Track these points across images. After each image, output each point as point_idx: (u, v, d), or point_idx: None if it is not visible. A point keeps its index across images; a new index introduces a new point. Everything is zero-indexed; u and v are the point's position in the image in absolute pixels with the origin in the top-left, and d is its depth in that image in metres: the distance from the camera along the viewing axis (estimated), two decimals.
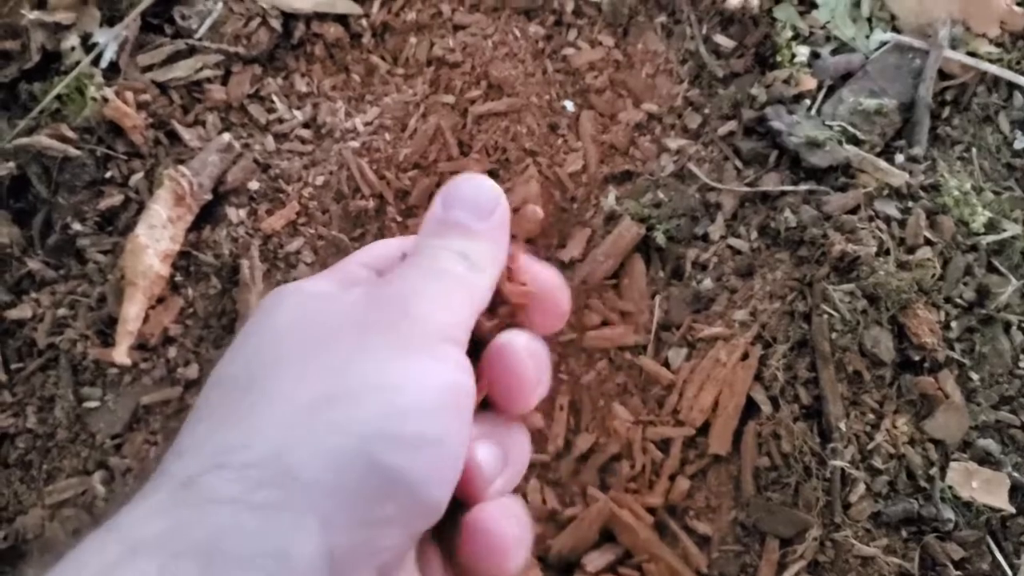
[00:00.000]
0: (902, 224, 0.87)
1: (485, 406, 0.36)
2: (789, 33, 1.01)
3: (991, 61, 0.99)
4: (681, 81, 1.02)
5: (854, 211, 0.87)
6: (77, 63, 0.98)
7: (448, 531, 0.34)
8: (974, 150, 0.96)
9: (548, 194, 0.95)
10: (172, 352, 0.88)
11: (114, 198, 0.93)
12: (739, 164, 0.95)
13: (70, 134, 0.93)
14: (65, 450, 0.85)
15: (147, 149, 0.95)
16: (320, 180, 0.95)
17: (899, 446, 0.78)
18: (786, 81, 0.98)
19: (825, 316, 0.82)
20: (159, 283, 0.87)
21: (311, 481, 0.28)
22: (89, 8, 1.01)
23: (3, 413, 0.86)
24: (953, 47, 0.99)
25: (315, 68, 1.03)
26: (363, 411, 0.29)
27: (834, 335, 0.81)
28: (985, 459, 0.79)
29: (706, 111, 0.99)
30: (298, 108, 1.01)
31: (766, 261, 0.88)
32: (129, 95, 0.95)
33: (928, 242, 0.86)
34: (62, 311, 0.89)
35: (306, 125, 1.00)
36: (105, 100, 0.94)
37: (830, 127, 0.94)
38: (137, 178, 0.94)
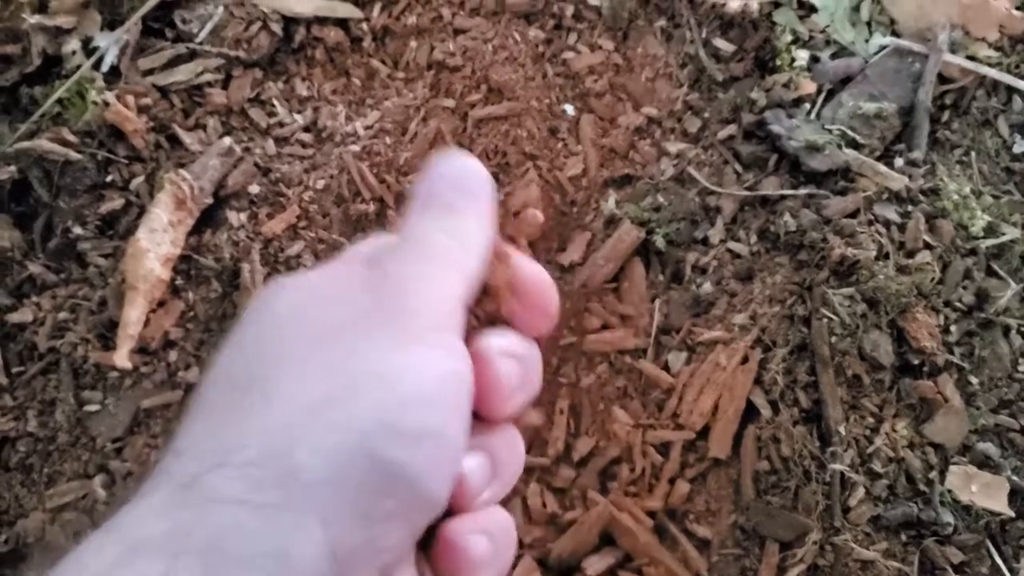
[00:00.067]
0: (901, 228, 0.87)
1: (474, 414, 0.35)
2: (789, 37, 1.01)
3: (990, 65, 0.99)
4: (681, 85, 1.02)
5: (853, 215, 0.87)
6: (78, 67, 0.98)
7: (430, 541, 0.34)
8: (973, 154, 0.96)
9: (548, 198, 0.95)
10: (173, 356, 0.88)
11: (115, 202, 0.93)
12: (739, 168, 0.95)
13: (71, 138, 0.94)
14: (66, 454, 0.85)
15: (148, 153, 0.95)
16: (321, 184, 0.95)
17: (898, 450, 0.78)
18: (786, 85, 0.98)
19: (825, 320, 0.82)
20: (160, 287, 0.87)
21: (312, 481, 0.28)
22: (90, 12, 1.02)
23: (4, 417, 0.86)
24: (952, 51, 0.99)
25: (316, 72, 1.04)
26: (362, 406, 0.29)
27: (834, 339, 0.81)
28: (984, 463, 0.79)
29: (706, 115, 1.00)
30: (299, 112, 1.01)
31: (766, 265, 0.88)
32: (130, 99, 0.95)
33: (927, 246, 0.86)
34: (63, 315, 0.89)
35: (307, 129, 1.00)
36: (106, 104, 0.94)
37: (829, 131, 0.94)
38: (138, 182, 0.94)
